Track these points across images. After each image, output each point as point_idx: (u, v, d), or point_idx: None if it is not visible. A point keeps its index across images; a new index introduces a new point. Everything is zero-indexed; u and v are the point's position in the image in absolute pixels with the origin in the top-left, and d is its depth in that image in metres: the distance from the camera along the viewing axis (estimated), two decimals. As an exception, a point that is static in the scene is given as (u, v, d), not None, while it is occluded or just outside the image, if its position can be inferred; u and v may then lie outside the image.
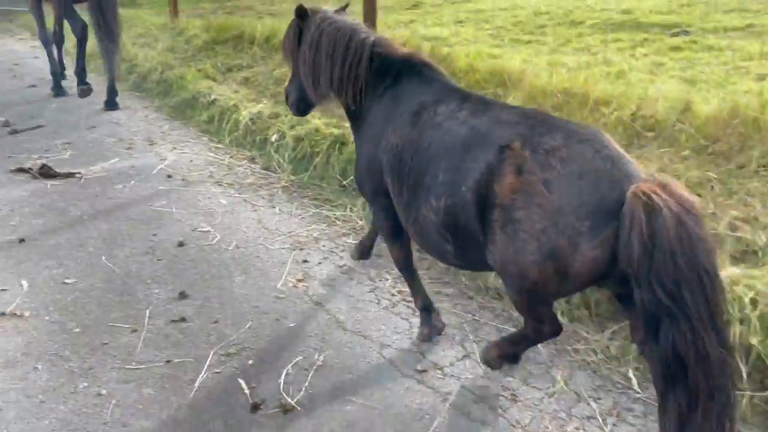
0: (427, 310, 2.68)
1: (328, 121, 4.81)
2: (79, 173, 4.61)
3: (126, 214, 3.97)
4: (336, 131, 4.62)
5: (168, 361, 2.56)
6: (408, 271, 2.71)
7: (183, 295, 3.03)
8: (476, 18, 7.42)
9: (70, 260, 3.37)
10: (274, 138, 5.03)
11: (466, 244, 2.13)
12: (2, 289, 3.07)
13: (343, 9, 2.93)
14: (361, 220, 3.86)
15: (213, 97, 6.07)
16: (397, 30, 7.05)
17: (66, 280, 3.16)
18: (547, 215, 1.83)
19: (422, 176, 2.21)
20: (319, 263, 3.37)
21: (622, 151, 1.92)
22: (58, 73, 7.16)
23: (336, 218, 3.90)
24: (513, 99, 4.05)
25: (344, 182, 4.26)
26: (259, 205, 4.11)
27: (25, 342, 2.67)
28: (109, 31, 6.28)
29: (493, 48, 5.69)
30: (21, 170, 4.63)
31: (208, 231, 3.74)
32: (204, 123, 5.77)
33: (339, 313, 2.90)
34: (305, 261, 3.39)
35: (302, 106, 3.00)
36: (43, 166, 4.62)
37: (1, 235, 3.65)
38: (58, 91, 7.00)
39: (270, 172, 4.69)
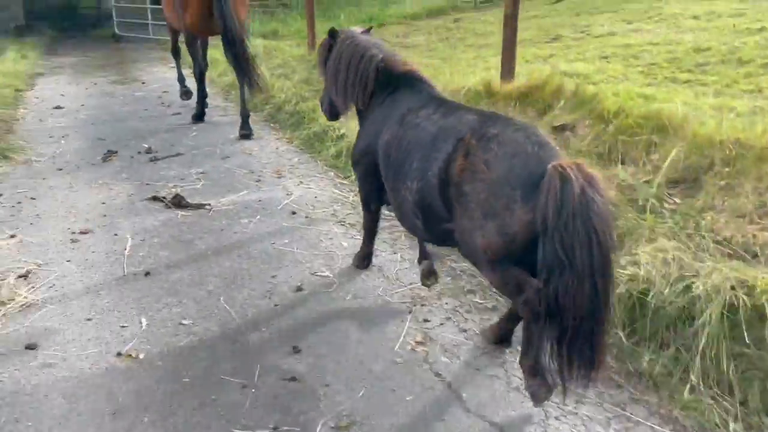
0: (368, 255, 3.63)
1: (458, 163, 4.54)
2: (209, 205, 4.65)
3: (248, 251, 3.91)
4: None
5: (275, 428, 2.36)
6: (370, 232, 3.57)
7: (296, 350, 2.85)
8: (624, 53, 6.86)
9: (190, 299, 3.32)
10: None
11: (431, 220, 2.67)
12: (123, 326, 3.05)
13: (368, 31, 3.57)
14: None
15: (342, 131, 6.01)
16: (536, 64, 6.67)
17: (183, 321, 3.09)
18: (487, 187, 2.29)
19: (403, 165, 2.77)
20: (441, 324, 3.07)
21: (549, 139, 2.41)
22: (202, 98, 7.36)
23: (461, 271, 3.58)
24: (674, 149, 3.55)
25: (473, 231, 3.95)
26: (381, 251, 3.88)
27: (135, 388, 2.59)
28: (238, 64, 6.52)
29: (645, 87, 5.16)
30: (156, 199, 4.77)
31: (327, 276, 3.57)
32: (332, 158, 5.70)
33: (461, 389, 2.58)
34: (426, 320, 3.10)
35: (333, 112, 3.67)
36: (176, 196, 4.72)
37: (130, 265, 3.70)
38: (199, 116, 7.30)
39: (393, 214, 4.48)
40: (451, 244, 2.71)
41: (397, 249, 3.93)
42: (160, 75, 10.82)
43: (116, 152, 6.01)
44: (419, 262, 3.40)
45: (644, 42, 7.34)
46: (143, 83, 10.05)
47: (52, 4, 24.87)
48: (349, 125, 6.28)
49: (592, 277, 2.05)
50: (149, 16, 16.24)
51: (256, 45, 11.94)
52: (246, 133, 6.58)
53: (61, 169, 5.52)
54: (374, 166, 3.11)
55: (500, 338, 2.85)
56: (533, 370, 2.34)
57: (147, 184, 5.15)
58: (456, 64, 7.65)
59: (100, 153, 5.98)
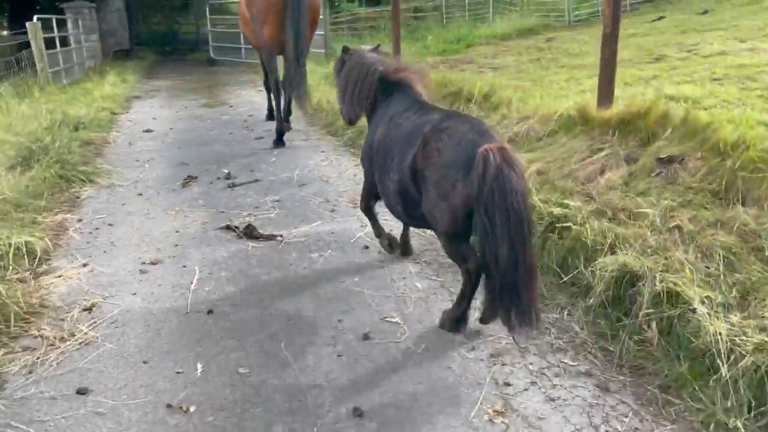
0: (379, 234, 4.02)
1: (546, 197, 4.12)
2: (281, 236, 4.47)
3: (316, 290, 3.66)
4: (557, 210, 3.91)
5: None
6: (369, 215, 3.98)
7: (358, 412, 2.54)
8: (738, 75, 6.18)
9: (250, 342, 3.09)
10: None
11: (410, 205, 3.13)
12: (178, 372, 2.86)
13: (375, 48, 3.99)
14: (582, 329, 3.09)
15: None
16: (637, 88, 6.13)
17: (240, 369, 2.86)
18: (438, 169, 2.81)
19: (387, 158, 3.24)
20: (525, 390, 2.67)
21: (492, 130, 2.90)
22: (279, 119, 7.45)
23: (550, 324, 3.17)
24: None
25: (564, 278, 3.51)
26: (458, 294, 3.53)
27: (181, 450, 2.37)
28: (295, 79, 6.95)
29: (767, 114, 4.54)
30: (228, 228, 4.64)
31: (397, 323, 3.25)
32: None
33: (548, 477, 2.18)
34: (507, 383, 2.71)
35: (350, 118, 3.95)
36: (248, 226, 4.58)
37: (194, 301, 3.54)
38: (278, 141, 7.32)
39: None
40: (428, 226, 3.20)
41: (476, 296, 3.56)
42: (248, 98, 10.99)
43: (196, 177, 6.00)
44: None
45: (761, 62, 6.61)
46: (231, 106, 10.21)
47: (156, 30, 26.39)
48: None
49: (510, 240, 2.56)
50: (242, 40, 16.73)
51: (310, 67, 11.96)
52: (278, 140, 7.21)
53: (141, 194, 5.55)
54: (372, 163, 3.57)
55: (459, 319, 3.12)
56: (459, 316, 3.10)
57: (222, 212, 5.05)
58: (547, 87, 7.20)
59: (180, 178, 5.99)
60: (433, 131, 2.90)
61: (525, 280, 2.63)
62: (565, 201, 4.05)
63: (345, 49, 3.92)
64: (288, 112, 7.77)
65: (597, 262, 3.32)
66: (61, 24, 16.81)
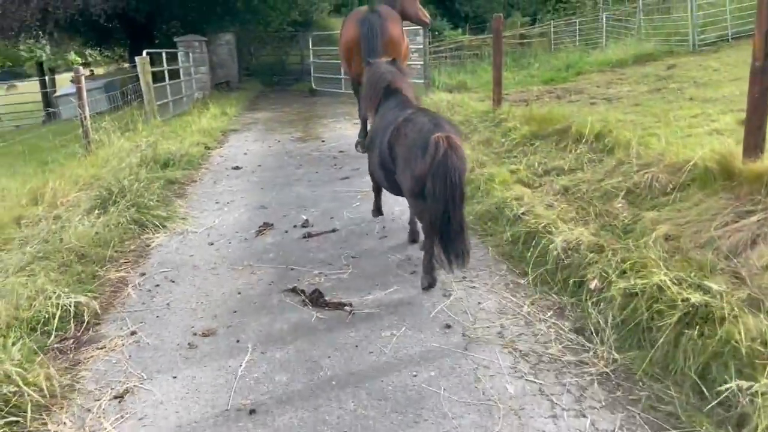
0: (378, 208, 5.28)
1: (678, 276, 3.25)
2: (350, 305, 3.87)
3: (381, 385, 3.00)
4: (695, 297, 3.03)
5: None
6: (377, 192, 5.17)
7: None
8: None
9: (291, 463, 2.48)
10: (593, 285, 3.65)
11: (388, 174, 4.28)
12: (197, 502, 2.30)
13: (393, 61, 5.05)
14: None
15: (521, 209, 4.96)
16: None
17: (272, 506, 2.26)
18: (404, 149, 3.88)
19: (375, 140, 4.45)
20: None
21: (445, 120, 4.01)
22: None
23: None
24: None
25: (707, 394, 2.64)
26: (562, 405, 2.76)
27: None
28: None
29: None
30: (294, 291, 4.11)
31: (479, 450, 2.52)
32: (506, 244, 4.67)
33: None
34: None
35: (365, 113, 5.67)
36: (315, 291, 4.02)
37: (237, 394, 3.00)
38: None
39: (584, 339, 3.31)
40: (400, 192, 4.30)
41: (586, 406, 2.76)
42: (341, 132, 10.64)
43: (272, 225, 5.56)
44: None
45: None
46: (323, 141, 9.88)
47: (265, 61, 27.17)
48: (534, 199, 5.24)
49: (446, 203, 3.60)
50: (341, 71, 16.63)
51: (439, 100, 11.40)
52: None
53: (212, 244, 5.17)
54: None
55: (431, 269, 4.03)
56: (427, 269, 4.02)
57: (292, 269, 4.54)
58: (673, 125, 6.21)
59: (256, 225, 5.58)
60: (403, 121, 3.99)
61: (456, 232, 3.67)
62: (705, 282, 3.16)
63: (368, 62, 5.14)
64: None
65: (760, 383, 2.44)
66: (174, 56, 17.54)
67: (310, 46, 18.69)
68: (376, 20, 7.42)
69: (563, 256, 4.08)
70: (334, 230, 5.37)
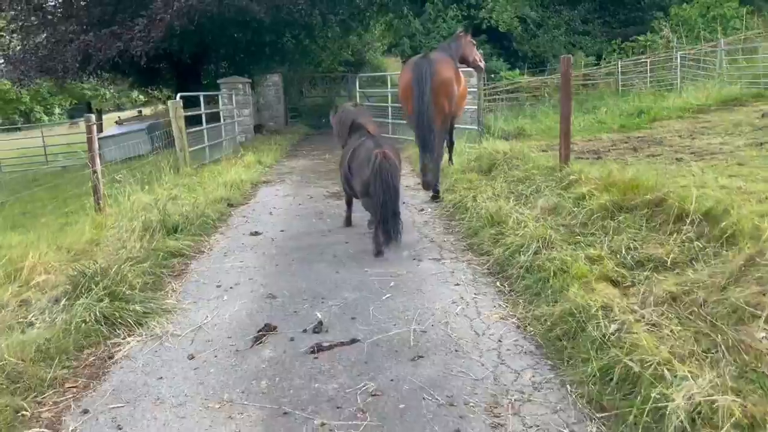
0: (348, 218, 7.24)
1: None
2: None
3: None
4: None
5: None
6: (347, 202, 7.13)
7: None
8: None
9: None
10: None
11: (349, 184, 6.35)
12: None
13: (355, 104, 7.69)
14: None
15: (611, 327, 3.54)
16: None
17: None
18: (357, 163, 5.98)
19: (343, 161, 6.41)
20: None
21: (385, 142, 6.08)
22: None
23: None
24: None
25: None
26: None
27: None
28: (428, 148, 7.77)
29: None
30: (280, 462, 2.81)
31: None
32: (589, 381, 3.25)
33: None
34: None
35: (341, 143, 6.92)
36: (307, 470, 2.72)
37: None
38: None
39: None
40: (356, 195, 6.34)
41: None
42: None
43: (275, 329, 4.28)
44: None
45: None
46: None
47: (313, 102, 26.50)
48: (626, 306, 3.82)
49: (384, 196, 5.55)
50: (389, 115, 15.56)
51: (494, 150, 10.07)
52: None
53: (192, 358, 3.92)
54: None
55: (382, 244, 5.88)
56: (376, 243, 5.84)
57: (285, 412, 3.24)
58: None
59: (256, 327, 4.32)
60: (358, 145, 6.09)
61: (392, 217, 5.69)
62: None
63: (335, 108, 7.63)
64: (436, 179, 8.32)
65: None
66: (218, 99, 16.85)
67: (358, 88, 17.73)
68: (426, 65, 7.74)
69: (688, 427, 2.64)
70: (353, 341, 4.05)
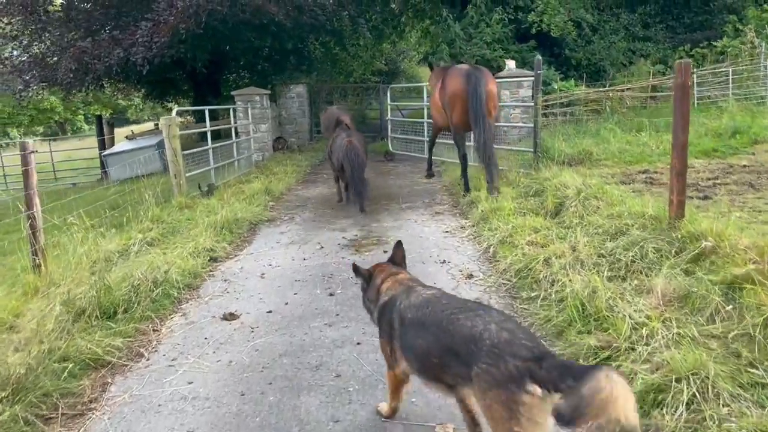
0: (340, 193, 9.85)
1: None
2: None
3: None
4: None
5: None
6: (335, 181, 9.80)
7: None
8: None
9: None
10: None
11: (332, 160, 9.26)
12: None
13: (340, 106, 14.17)
14: None
15: None
16: None
17: None
18: (335, 148, 8.97)
19: (327, 149, 9.67)
20: None
21: (354, 133, 9.27)
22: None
23: None
24: None
25: None
26: None
27: None
28: (485, 160, 8.34)
29: None
30: None
31: None
32: None
33: None
34: None
35: (327, 137, 10.63)
36: None
37: None
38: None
39: None
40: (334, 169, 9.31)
41: None
42: (415, 233, 7.21)
43: None
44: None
45: None
46: (385, 252, 6.47)
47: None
48: None
49: (350, 170, 8.47)
50: (424, 132, 13.37)
51: (560, 184, 7.78)
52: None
53: None
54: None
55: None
56: (352, 202, 8.87)
57: None
58: None
59: None
60: (336, 135, 9.04)
61: (360, 183, 8.46)
62: None
63: (324, 109, 12.22)
64: (466, 186, 9.05)
65: None
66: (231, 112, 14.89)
67: (389, 101, 15.57)
68: (481, 76, 8.51)
69: None
70: None
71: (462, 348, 2.43)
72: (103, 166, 19.87)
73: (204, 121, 17.45)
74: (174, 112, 10.53)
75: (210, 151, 11.92)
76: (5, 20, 15.72)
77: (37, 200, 6.04)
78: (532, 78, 14.40)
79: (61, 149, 28.17)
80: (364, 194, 8.47)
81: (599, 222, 6.09)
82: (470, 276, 5.53)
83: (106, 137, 21.02)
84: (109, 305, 4.77)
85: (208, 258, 6.43)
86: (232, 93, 15.71)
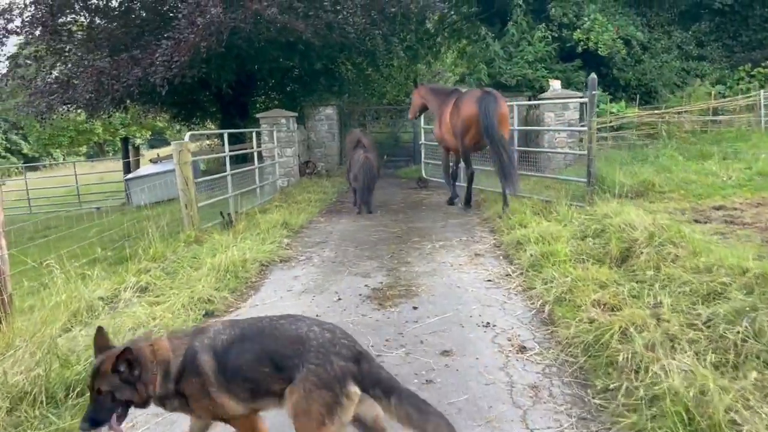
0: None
1: None
2: None
3: None
4: None
5: None
6: (353, 192, 11.15)
7: None
8: None
9: None
10: None
11: (348, 173, 11.26)
12: None
13: (361, 130, 13.35)
14: None
15: None
16: None
17: None
18: (353, 162, 10.72)
19: (347, 163, 12.35)
20: None
21: (372, 149, 10.86)
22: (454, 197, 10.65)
23: None
24: None
25: None
26: None
27: None
28: (503, 168, 8.61)
29: None
30: None
31: None
32: None
33: None
34: None
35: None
36: None
37: None
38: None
39: None
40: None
41: None
42: (450, 280, 6.06)
43: None
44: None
45: None
46: (414, 308, 5.34)
47: (376, 136, 23.46)
48: None
49: (363, 180, 10.27)
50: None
51: (625, 223, 6.56)
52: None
53: None
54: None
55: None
56: (359, 209, 10.50)
57: None
58: None
59: None
60: (355, 152, 10.50)
61: (368, 194, 10.38)
62: None
63: (350, 131, 12.52)
64: (468, 201, 10.28)
65: None
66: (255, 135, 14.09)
67: (422, 124, 14.52)
68: (492, 100, 8.81)
69: None
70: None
71: (289, 350, 2.47)
72: (127, 189, 19.26)
73: (233, 143, 16.76)
74: (187, 137, 9.64)
75: (228, 178, 11.01)
76: (27, 39, 15.24)
77: (3, 242, 5.12)
78: (580, 99, 13.22)
79: (96, 171, 27.90)
80: (369, 202, 10.45)
81: (683, 277, 4.87)
82: (522, 349, 4.35)
83: (131, 160, 20.41)
84: (59, 385, 3.75)
85: (203, 312, 5.39)
86: (257, 115, 14.90)
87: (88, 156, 57.79)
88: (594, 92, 8.70)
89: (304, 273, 6.75)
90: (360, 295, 5.81)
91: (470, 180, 9.86)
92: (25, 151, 54.47)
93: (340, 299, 5.72)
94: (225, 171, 10.63)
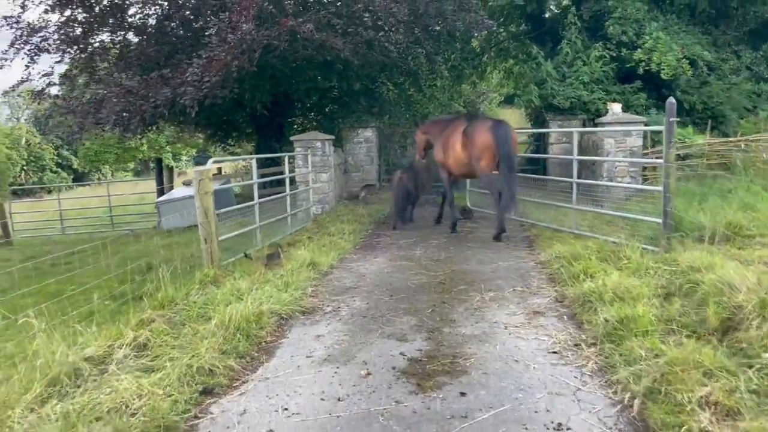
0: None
1: None
2: None
3: None
4: None
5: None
6: (395, 207, 12.19)
7: None
8: None
9: None
10: None
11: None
12: None
13: (421, 159, 12.82)
14: None
15: None
16: None
17: None
18: (395, 181, 12.05)
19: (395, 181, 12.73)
20: None
21: (411, 171, 11.86)
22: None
23: None
24: None
25: None
26: None
27: None
28: (509, 185, 9.23)
29: None
30: None
31: None
32: None
33: None
34: None
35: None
36: None
37: None
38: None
39: None
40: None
41: None
42: (506, 350, 4.92)
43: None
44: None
45: None
46: (462, 394, 4.21)
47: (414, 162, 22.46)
48: None
49: (397, 197, 11.47)
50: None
51: (722, 281, 5.31)
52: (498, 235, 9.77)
53: None
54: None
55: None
56: (395, 223, 11.51)
57: None
58: None
59: None
60: (402, 172, 11.72)
61: (403, 210, 11.54)
62: None
63: (410, 162, 13.67)
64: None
65: None
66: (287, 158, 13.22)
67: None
68: (508, 128, 9.62)
69: None
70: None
71: None
72: (158, 212, 18.70)
73: (269, 166, 15.96)
74: (210, 163, 8.81)
75: (256, 207, 10.13)
76: (61, 57, 14.82)
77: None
78: (646, 127, 11.94)
79: (134, 192, 27.68)
80: (403, 217, 11.59)
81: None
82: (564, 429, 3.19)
83: (164, 181, 19.85)
84: None
85: (201, 389, 4.39)
86: (291, 138, 14.05)
87: (135, 172, 58.37)
88: (672, 119, 7.53)
89: (328, 331, 5.70)
90: (393, 368, 4.72)
91: (451, 202, 11.09)
92: (75, 166, 55.34)
93: (368, 374, 4.64)
94: (264, 194, 9.76)
